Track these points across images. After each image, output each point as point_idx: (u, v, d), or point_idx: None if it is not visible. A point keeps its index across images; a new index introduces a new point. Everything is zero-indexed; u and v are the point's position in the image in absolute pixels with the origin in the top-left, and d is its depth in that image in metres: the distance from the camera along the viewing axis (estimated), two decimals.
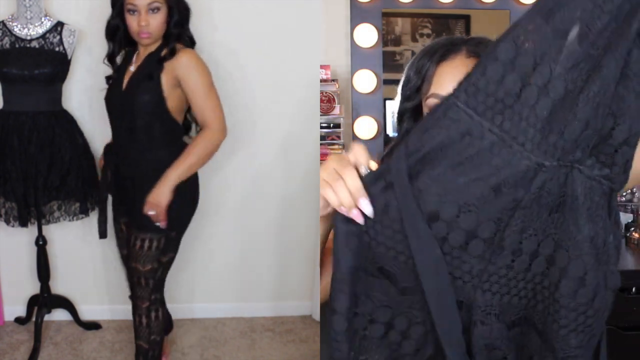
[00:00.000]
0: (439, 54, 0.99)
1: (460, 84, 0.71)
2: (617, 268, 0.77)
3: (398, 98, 1.06)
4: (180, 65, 1.73)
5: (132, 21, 1.72)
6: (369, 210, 0.75)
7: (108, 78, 1.90)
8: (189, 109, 1.87)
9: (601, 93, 0.67)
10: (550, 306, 0.76)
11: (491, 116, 0.70)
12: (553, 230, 0.74)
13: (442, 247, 0.73)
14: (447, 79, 0.96)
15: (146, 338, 1.90)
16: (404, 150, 0.74)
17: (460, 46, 0.98)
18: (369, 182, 0.76)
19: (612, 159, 0.72)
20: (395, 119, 1.08)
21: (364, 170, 0.77)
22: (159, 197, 1.73)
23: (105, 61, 1.89)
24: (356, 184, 0.75)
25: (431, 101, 0.97)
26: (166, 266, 1.89)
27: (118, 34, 1.80)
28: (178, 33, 1.78)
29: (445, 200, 0.72)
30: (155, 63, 1.74)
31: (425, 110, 0.99)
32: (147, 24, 1.70)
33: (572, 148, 0.69)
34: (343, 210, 0.76)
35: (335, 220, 0.78)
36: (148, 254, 1.81)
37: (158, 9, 1.70)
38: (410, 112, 1.03)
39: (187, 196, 1.82)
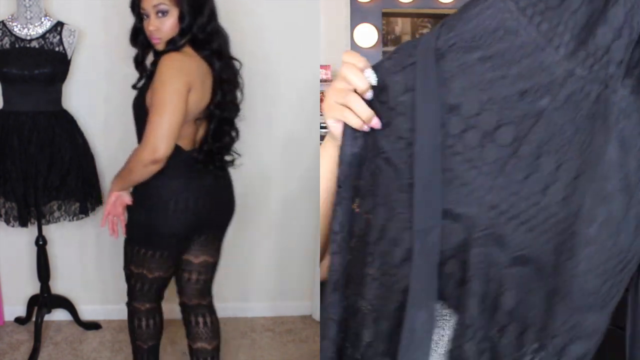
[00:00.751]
0: None
1: None
2: None
3: None
4: (157, 72, 1.60)
5: (145, 25, 1.69)
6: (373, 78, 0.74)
7: (134, 85, 1.79)
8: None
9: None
10: (565, 243, 0.67)
11: (531, 14, 0.67)
12: (577, 153, 0.66)
13: (454, 145, 0.69)
14: None
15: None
16: (437, 31, 0.71)
17: None
18: (389, 67, 0.74)
19: None
20: None
21: (369, 95, 0.74)
22: (106, 203, 1.72)
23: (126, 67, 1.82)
24: (365, 112, 0.74)
25: None
26: (129, 276, 1.81)
27: (139, 38, 1.76)
28: (184, 36, 1.64)
29: (468, 94, 0.69)
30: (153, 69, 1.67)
31: None
32: (156, 28, 1.63)
33: (606, 60, 0.65)
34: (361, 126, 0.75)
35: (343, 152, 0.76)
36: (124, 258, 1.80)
37: (166, 12, 1.61)
38: None
39: (138, 207, 1.71)
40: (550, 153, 0.67)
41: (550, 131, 0.67)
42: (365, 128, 0.74)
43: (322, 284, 0.85)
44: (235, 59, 1.78)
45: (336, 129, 0.77)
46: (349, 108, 0.74)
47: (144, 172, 1.59)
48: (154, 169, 1.57)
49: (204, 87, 1.63)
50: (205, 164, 1.70)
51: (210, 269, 1.88)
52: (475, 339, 0.69)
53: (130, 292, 1.83)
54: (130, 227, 1.73)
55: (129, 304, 1.86)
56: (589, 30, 0.65)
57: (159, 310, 1.92)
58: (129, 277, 1.80)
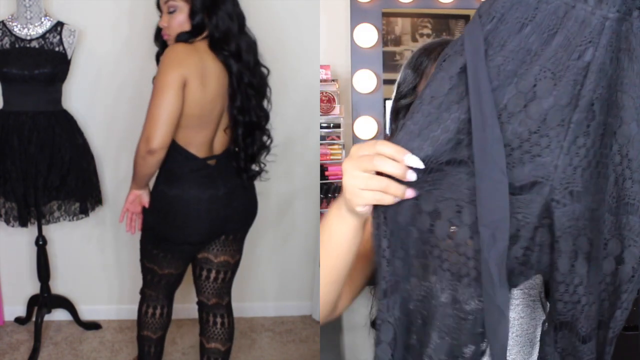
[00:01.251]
0: (437, 52, 0.99)
1: None
2: None
3: (393, 96, 1.07)
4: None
5: (160, 22, 1.69)
6: (417, 162, 0.73)
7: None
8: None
9: None
10: (619, 181, 0.71)
11: None
12: (618, 87, 0.71)
13: (520, 122, 0.72)
14: None
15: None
16: (479, 21, 0.74)
17: None
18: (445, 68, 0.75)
19: None
20: (390, 117, 1.08)
21: (412, 177, 0.74)
22: (125, 201, 1.74)
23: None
24: (400, 190, 0.73)
25: None
26: (143, 268, 1.83)
27: (159, 36, 1.77)
28: (195, 32, 1.63)
29: (521, 71, 0.72)
30: None
31: None
32: (167, 25, 1.64)
33: None
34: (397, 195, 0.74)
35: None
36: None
37: (175, 9, 1.62)
38: (405, 110, 1.03)
39: (152, 211, 1.72)
40: (602, 98, 0.71)
41: (598, 77, 0.71)
42: (396, 200, 0.75)
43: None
44: (264, 66, 1.78)
45: (367, 211, 0.77)
46: (382, 191, 0.73)
47: (143, 164, 1.59)
48: (152, 160, 1.57)
49: (207, 86, 1.60)
50: (239, 172, 1.71)
51: (231, 269, 1.88)
52: (568, 292, 0.74)
53: (144, 281, 1.86)
54: (144, 228, 1.75)
55: (142, 291, 1.89)
56: None
57: (168, 303, 1.93)
58: (143, 268, 1.83)
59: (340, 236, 0.81)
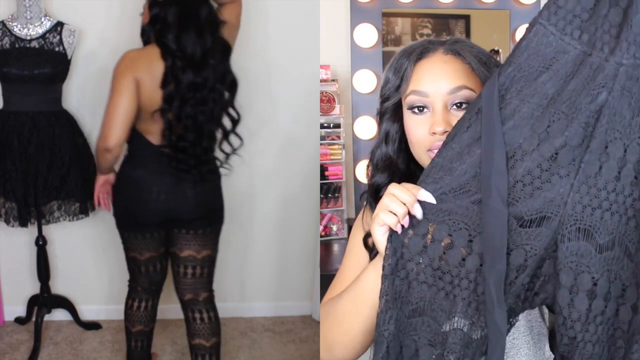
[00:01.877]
0: (417, 53, 1.00)
1: (545, 5, 0.79)
2: None
3: (378, 99, 1.07)
4: None
5: None
6: (427, 197, 0.84)
7: None
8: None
9: None
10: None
11: (570, 31, 0.78)
12: (638, 135, 0.75)
13: (532, 160, 0.78)
14: (425, 76, 0.97)
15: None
16: (497, 71, 0.82)
17: (438, 46, 0.99)
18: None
19: None
20: (377, 119, 1.09)
21: (402, 225, 0.85)
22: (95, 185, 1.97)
23: None
24: (408, 192, 0.84)
25: (410, 98, 0.98)
26: (127, 260, 1.93)
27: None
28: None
29: (536, 114, 0.78)
30: None
31: (405, 108, 1.00)
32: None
33: None
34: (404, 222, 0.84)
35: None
36: None
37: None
38: (390, 113, 1.04)
39: (114, 191, 1.90)
40: (616, 140, 0.75)
41: (612, 120, 0.75)
42: (399, 227, 0.84)
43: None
44: (230, 71, 1.84)
45: (384, 241, 0.86)
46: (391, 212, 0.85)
47: (102, 159, 1.78)
48: (109, 156, 1.74)
49: (156, 83, 1.69)
50: (170, 159, 1.76)
51: (199, 264, 1.90)
52: (565, 326, 0.78)
53: (129, 273, 1.95)
54: (114, 213, 1.90)
55: (129, 283, 1.97)
56: (623, 23, 0.73)
57: (152, 297, 1.98)
58: (127, 261, 1.93)
59: (374, 282, 0.88)
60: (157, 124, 1.74)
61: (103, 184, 1.93)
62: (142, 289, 1.95)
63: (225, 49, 1.81)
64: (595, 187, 0.76)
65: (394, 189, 0.85)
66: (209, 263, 1.92)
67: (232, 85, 1.84)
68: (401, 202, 0.84)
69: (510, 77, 0.80)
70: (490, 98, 0.80)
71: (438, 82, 0.95)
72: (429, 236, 0.83)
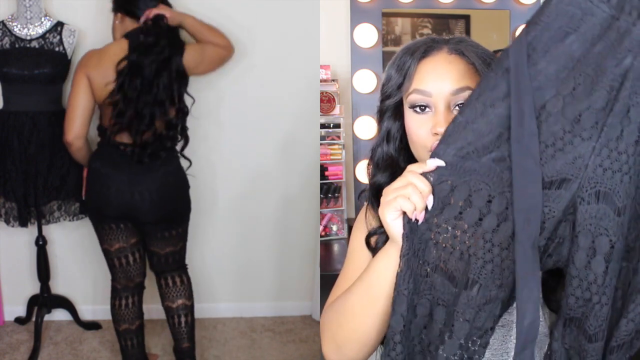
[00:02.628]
0: (420, 51, 0.99)
1: None
2: None
3: (379, 97, 1.06)
4: None
5: None
6: (438, 163, 0.83)
7: None
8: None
9: None
10: None
11: None
12: None
13: (556, 122, 0.78)
14: (428, 75, 0.96)
15: None
16: (525, 29, 0.80)
17: (442, 44, 0.98)
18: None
19: None
20: (377, 118, 1.08)
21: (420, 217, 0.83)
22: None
23: None
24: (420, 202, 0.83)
25: (413, 97, 0.97)
26: (104, 255, 2.01)
27: None
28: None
29: (562, 75, 0.78)
30: None
31: (407, 106, 0.99)
32: None
33: None
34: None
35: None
36: None
37: None
38: (391, 111, 1.03)
39: (85, 182, 1.99)
40: (638, 104, 0.75)
41: (636, 85, 0.75)
42: (421, 216, 0.83)
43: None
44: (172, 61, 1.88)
45: (397, 226, 0.84)
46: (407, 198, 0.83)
47: (70, 153, 1.93)
48: (72, 150, 1.89)
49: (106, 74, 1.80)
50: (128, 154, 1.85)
51: (163, 257, 2.00)
52: (581, 288, 0.78)
53: (110, 271, 2.01)
54: (85, 203, 2.01)
55: (111, 284, 2.04)
56: None
57: (133, 293, 2.03)
58: (104, 255, 2.00)
59: (388, 271, 0.87)
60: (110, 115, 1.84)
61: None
62: (121, 286, 2.01)
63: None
64: (616, 151, 0.76)
65: (413, 177, 0.84)
66: (174, 253, 2.02)
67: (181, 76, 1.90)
68: (419, 192, 0.83)
69: (538, 37, 0.79)
70: (519, 57, 0.79)
71: (442, 82, 0.94)
72: (451, 199, 0.83)
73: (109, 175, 1.86)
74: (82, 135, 1.86)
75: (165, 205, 1.91)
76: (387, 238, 0.90)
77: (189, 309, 2.07)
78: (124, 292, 2.01)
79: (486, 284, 0.81)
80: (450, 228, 0.83)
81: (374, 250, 1.04)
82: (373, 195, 1.06)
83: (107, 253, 1.98)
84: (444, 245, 0.83)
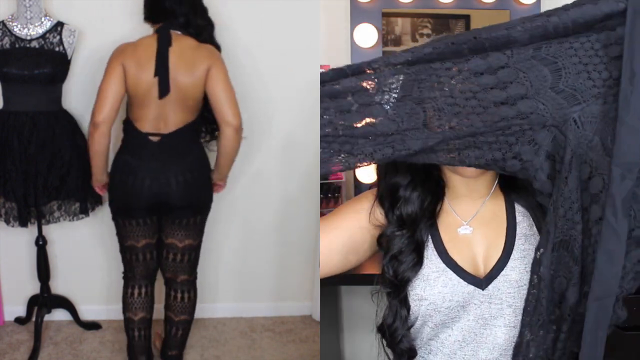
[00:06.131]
0: None
1: None
2: None
3: None
4: None
5: None
6: None
7: None
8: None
9: None
10: None
11: None
12: None
13: None
14: None
15: None
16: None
17: None
18: None
19: None
20: None
21: None
22: None
23: None
24: None
25: None
26: (120, 250, 2.05)
27: None
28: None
29: None
30: None
31: None
32: None
33: None
34: None
35: None
36: None
37: None
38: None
39: (109, 177, 1.99)
40: None
41: None
42: None
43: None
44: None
45: None
46: None
47: (92, 140, 1.88)
48: (95, 133, 1.85)
49: (142, 68, 1.83)
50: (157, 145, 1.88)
51: (180, 252, 2.02)
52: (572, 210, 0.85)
53: (125, 264, 2.04)
54: (108, 198, 2.00)
55: (124, 275, 2.06)
56: None
57: (148, 283, 2.06)
58: (122, 251, 2.04)
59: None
60: (144, 110, 1.86)
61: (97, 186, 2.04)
62: (140, 276, 2.02)
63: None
64: None
65: None
66: (190, 251, 2.03)
67: None
68: None
69: None
70: (635, 15, 0.80)
71: None
72: None
73: (141, 167, 1.87)
74: (111, 118, 1.84)
75: (193, 190, 1.94)
76: (402, 243, 0.91)
77: (189, 323, 2.12)
78: (142, 280, 2.04)
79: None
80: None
81: (385, 251, 1.04)
82: (388, 195, 1.06)
83: (132, 249, 1.99)
84: None
